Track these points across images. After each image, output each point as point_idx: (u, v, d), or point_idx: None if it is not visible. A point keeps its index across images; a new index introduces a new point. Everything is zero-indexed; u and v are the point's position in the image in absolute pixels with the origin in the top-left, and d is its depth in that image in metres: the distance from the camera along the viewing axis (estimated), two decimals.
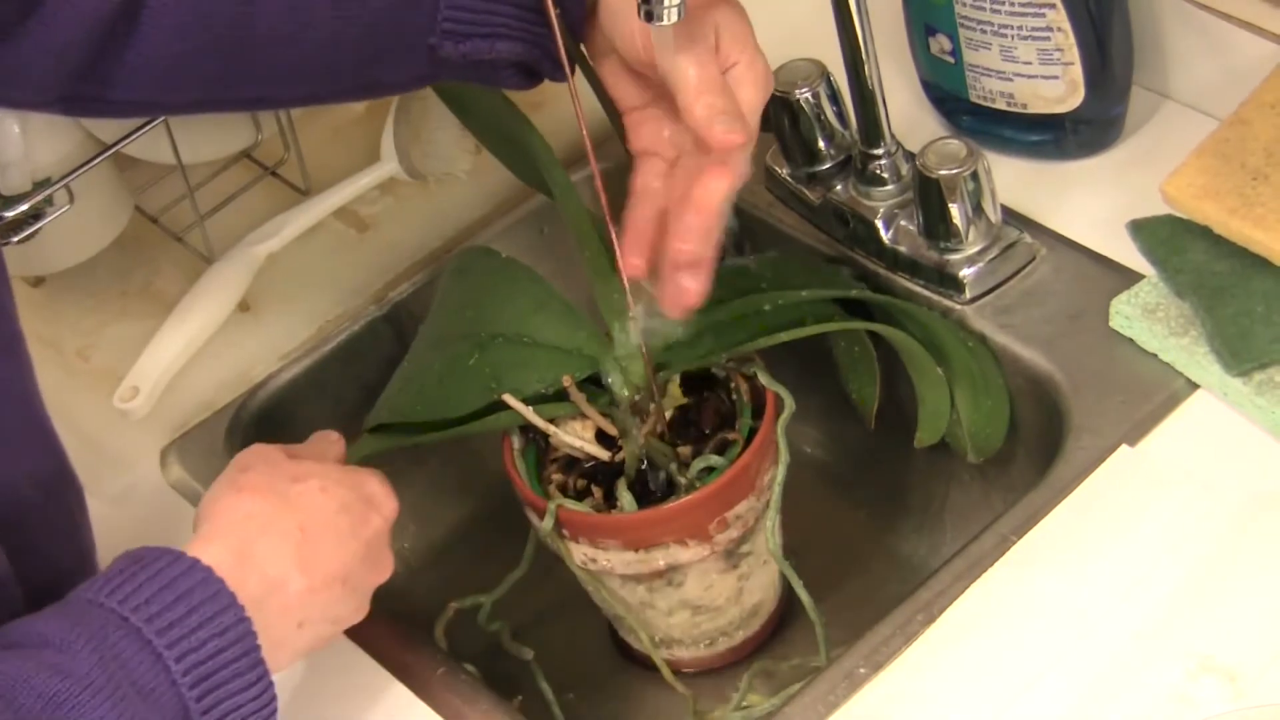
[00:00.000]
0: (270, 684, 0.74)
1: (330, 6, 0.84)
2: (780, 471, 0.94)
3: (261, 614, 0.74)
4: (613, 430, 0.94)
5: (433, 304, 1.03)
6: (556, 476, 0.94)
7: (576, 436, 0.93)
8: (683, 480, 0.92)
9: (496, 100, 1.01)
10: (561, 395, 0.93)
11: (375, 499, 0.85)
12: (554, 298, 0.97)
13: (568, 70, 0.86)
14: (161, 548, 0.74)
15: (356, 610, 0.83)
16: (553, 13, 0.84)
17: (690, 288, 0.84)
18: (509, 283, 0.99)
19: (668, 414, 0.94)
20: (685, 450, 0.94)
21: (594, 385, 0.95)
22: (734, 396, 0.95)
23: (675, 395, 0.95)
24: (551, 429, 0.93)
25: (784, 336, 0.94)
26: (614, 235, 0.88)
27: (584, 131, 0.88)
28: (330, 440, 0.90)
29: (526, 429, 0.95)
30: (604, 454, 0.93)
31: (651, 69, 0.85)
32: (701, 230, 0.83)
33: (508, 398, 0.92)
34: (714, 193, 0.83)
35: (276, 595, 0.77)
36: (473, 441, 1.05)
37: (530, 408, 0.92)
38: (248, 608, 0.73)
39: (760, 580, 0.99)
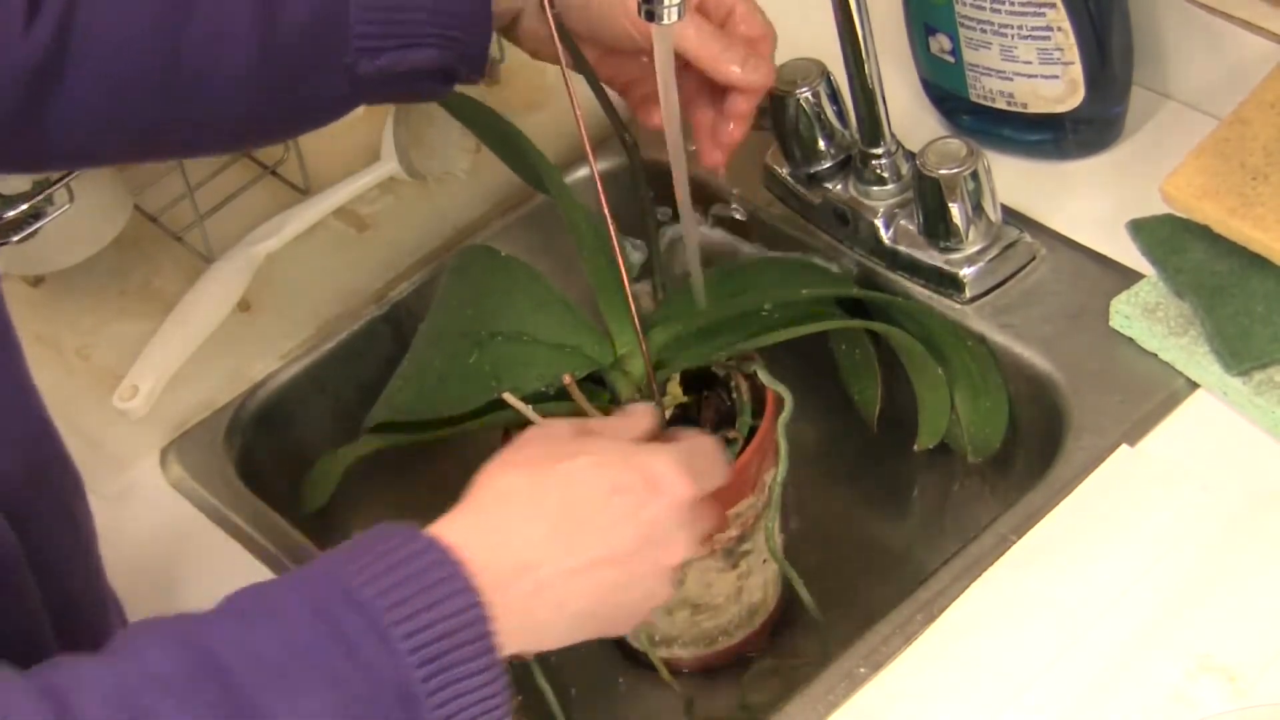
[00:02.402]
0: (500, 672, 0.70)
1: (247, 31, 0.85)
2: (780, 470, 0.94)
3: (509, 595, 0.71)
4: None
5: (433, 303, 1.03)
6: None
7: None
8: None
9: (487, 113, 1.01)
10: (562, 394, 0.93)
11: (661, 480, 0.78)
12: (554, 296, 0.97)
13: (485, 69, 0.90)
14: (399, 525, 0.73)
15: (646, 596, 0.78)
16: (550, 12, 0.84)
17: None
18: (509, 281, 0.99)
19: (668, 413, 0.94)
20: None
21: (594, 384, 0.95)
22: (734, 395, 0.95)
23: (675, 394, 0.95)
24: None
25: (784, 335, 0.94)
26: (614, 235, 0.88)
27: (583, 133, 0.88)
28: (638, 413, 0.86)
29: (527, 427, 0.94)
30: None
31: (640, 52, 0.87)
32: (740, 132, 0.95)
33: (508, 396, 0.92)
34: (744, 107, 0.94)
35: (529, 575, 0.73)
36: (474, 440, 1.05)
37: (530, 406, 0.92)
38: (494, 587, 0.70)
39: (760, 579, 0.99)
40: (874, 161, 1.03)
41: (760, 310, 0.96)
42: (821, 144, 1.06)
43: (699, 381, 0.97)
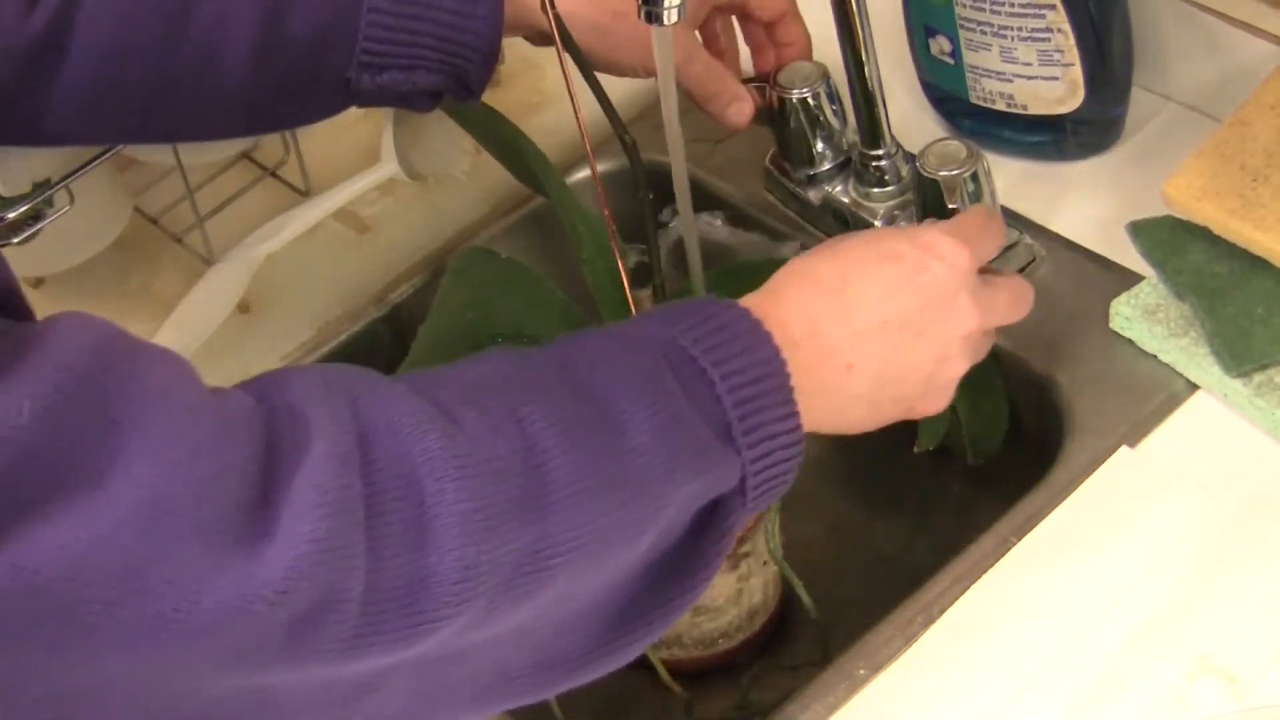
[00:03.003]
0: (797, 420, 0.73)
1: (250, 48, 0.86)
2: None
3: (800, 354, 0.74)
4: None
5: (433, 305, 1.03)
6: None
7: None
8: None
9: (489, 115, 1.01)
10: None
11: (936, 247, 0.81)
12: (554, 298, 0.97)
13: (476, 94, 0.91)
14: (702, 296, 0.77)
15: (937, 361, 0.80)
16: (550, 12, 0.84)
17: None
18: (509, 283, 0.99)
19: None
20: None
21: None
22: None
23: None
24: None
25: None
26: (614, 237, 0.88)
27: (584, 134, 0.88)
28: (979, 215, 0.88)
29: None
30: None
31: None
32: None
33: None
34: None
35: (816, 339, 0.76)
36: None
37: None
38: (786, 346, 0.73)
39: (760, 581, 0.99)
40: (874, 163, 1.03)
41: None
42: (821, 146, 1.06)
43: None
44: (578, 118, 0.87)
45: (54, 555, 0.54)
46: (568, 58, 0.87)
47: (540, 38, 0.96)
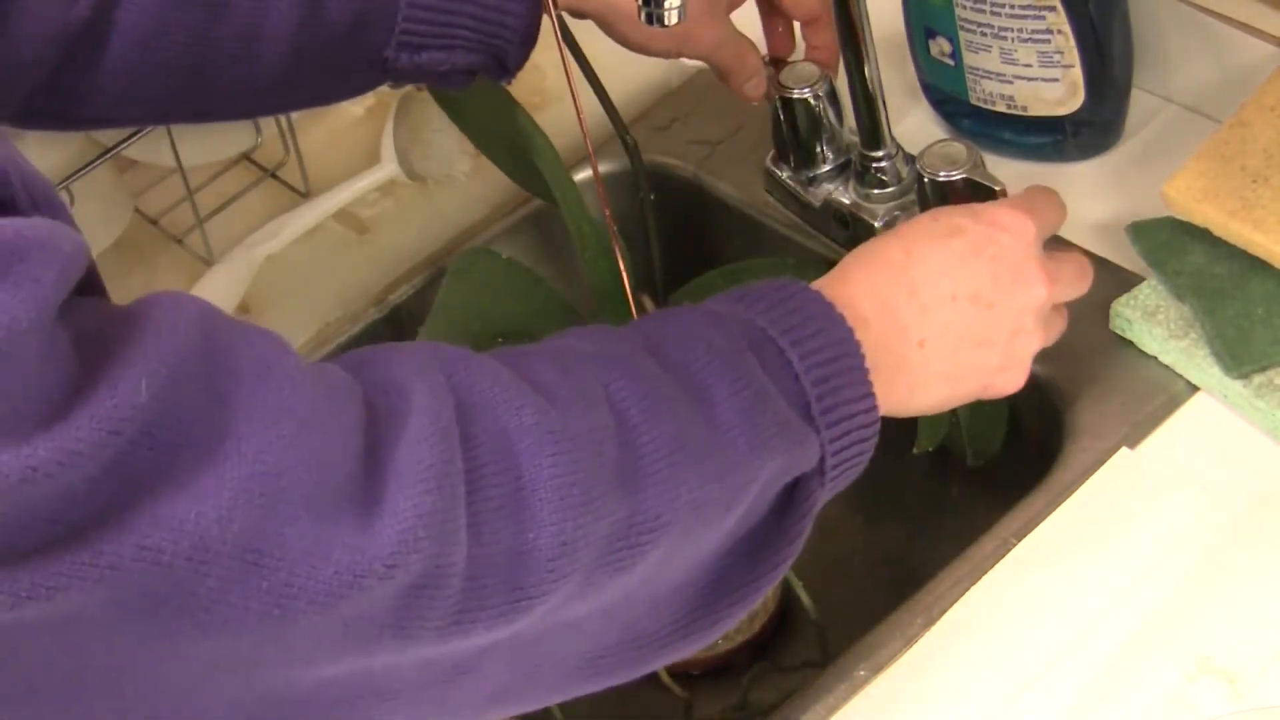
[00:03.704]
0: (874, 400, 0.73)
1: (290, 25, 0.86)
2: None
3: (871, 333, 0.75)
4: None
5: (433, 306, 1.03)
6: None
7: None
8: None
9: (499, 103, 1.01)
10: None
11: (999, 218, 0.82)
12: (555, 299, 0.97)
13: (510, 72, 0.91)
14: (775, 279, 0.77)
15: (1012, 333, 0.81)
16: (553, 12, 0.84)
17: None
18: (510, 284, 0.99)
19: None
20: None
21: None
22: None
23: None
24: None
25: None
26: (615, 238, 0.88)
27: (585, 135, 0.88)
28: (1040, 190, 0.89)
29: None
30: None
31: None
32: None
33: None
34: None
35: (886, 316, 0.77)
36: None
37: None
38: (856, 328, 0.74)
39: None
40: (874, 164, 1.03)
41: None
42: (822, 147, 1.06)
43: None
44: (579, 118, 0.87)
45: (176, 534, 0.54)
46: (570, 57, 0.87)
47: (576, 14, 0.96)
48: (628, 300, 0.91)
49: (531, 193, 1.05)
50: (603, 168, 0.89)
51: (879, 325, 0.76)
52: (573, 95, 0.87)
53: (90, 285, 0.59)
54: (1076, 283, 0.87)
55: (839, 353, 0.73)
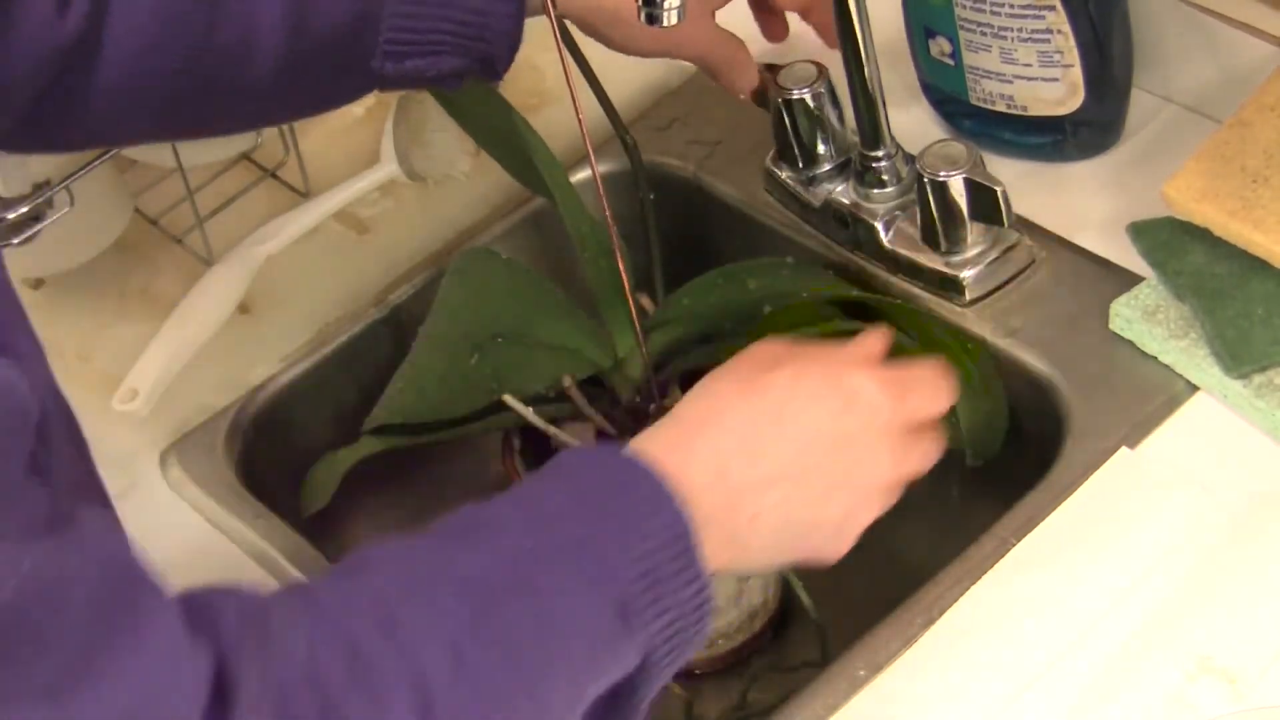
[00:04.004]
0: (707, 584, 0.71)
1: (279, 36, 0.86)
2: None
3: (705, 503, 0.72)
4: (613, 431, 0.94)
5: (433, 305, 1.03)
6: None
7: (577, 437, 0.93)
8: None
9: (494, 104, 1.01)
10: (562, 396, 0.93)
11: (860, 394, 0.78)
12: (555, 298, 0.97)
13: (499, 71, 0.90)
14: (606, 446, 0.75)
15: (846, 515, 0.78)
16: (551, 12, 0.84)
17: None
18: (509, 284, 0.99)
19: None
20: None
21: (595, 385, 0.95)
22: None
23: (676, 396, 0.95)
24: (552, 430, 0.93)
25: (783, 337, 0.94)
26: (615, 237, 0.88)
27: (585, 135, 0.88)
28: (871, 337, 0.83)
29: (527, 429, 0.95)
30: None
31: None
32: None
33: (508, 399, 0.92)
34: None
35: (721, 486, 0.74)
36: (474, 441, 1.05)
37: (530, 408, 0.92)
38: (690, 497, 0.71)
39: (760, 582, 0.99)
40: (874, 164, 1.03)
41: (760, 312, 0.96)
42: (821, 147, 1.06)
43: (695, 383, 0.96)
44: (579, 119, 0.87)
45: None
46: (569, 58, 0.87)
47: (578, 19, 0.95)
48: (628, 300, 0.91)
49: (533, 190, 1.05)
50: (602, 168, 0.89)
51: (713, 496, 0.73)
52: (572, 96, 0.87)
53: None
54: (932, 402, 0.82)
55: (670, 538, 0.70)
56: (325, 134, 1.23)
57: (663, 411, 0.93)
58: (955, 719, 0.83)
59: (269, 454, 1.08)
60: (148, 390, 1.05)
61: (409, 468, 1.12)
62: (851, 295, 1.01)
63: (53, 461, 0.63)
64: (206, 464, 1.04)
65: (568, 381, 0.93)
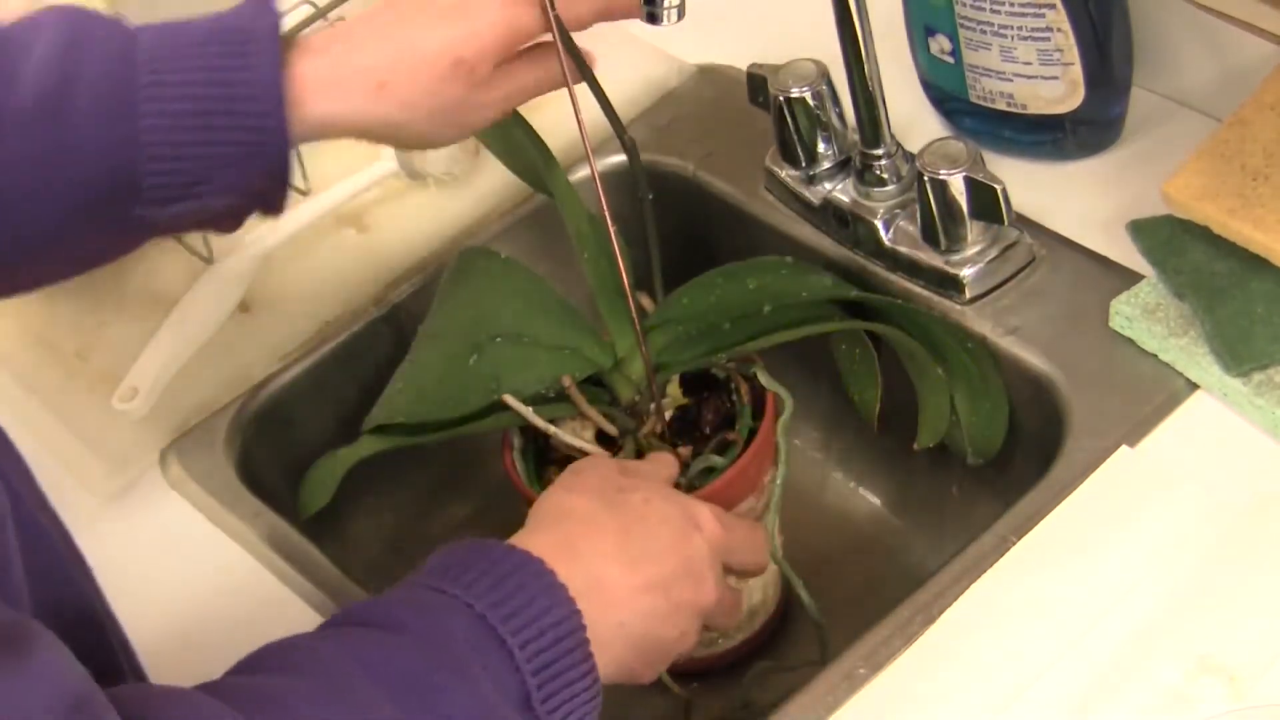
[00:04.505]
0: (597, 676, 0.74)
1: (32, 185, 0.81)
2: (781, 472, 0.94)
3: (585, 607, 0.74)
4: (612, 430, 0.94)
5: (432, 304, 1.03)
6: (556, 476, 0.94)
7: (576, 437, 0.93)
8: (682, 481, 0.92)
9: None
10: (562, 395, 0.93)
11: (699, 519, 0.83)
12: (554, 298, 0.97)
13: (282, 206, 0.86)
14: (493, 541, 0.76)
15: (680, 636, 0.81)
16: (551, 13, 0.84)
17: None
18: (508, 283, 0.99)
19: (668, 414, 0.94)
20: (685, 451, 0.94)
21: (595, 385, 0.95)
22: (734, 397, 0.95)
23: (675, 396, 0.96)
24: (551, 429, 0.93)
25: (783, 337, 0.94)
26: (614, 236, 0.88)
27: (584, 135, 0.88)
28: (665, 461, 0.90)
29: (527, 429, 0.95)
30: (604, 454, 0.93)
31: None
32: None
33: (508, 398, 0.92)
34: None
35: (598, 591, 0.76)
36: (474, 441, 1.05)
37: (530, 408, 0.92)
38: (575, 598, 0.74)
39: (759, 581, 0.99)
40: (874, 163, 1.03)
41: (760, 311, 0.96)
42: (821, 145, 1.06)
43: (700, 384, 0.97)
44: (578, 118, 0.87)
45: None
46: (566, 56, 0.87)
47: (360, 135, 0.89)
48: (627, 299, 0.91)
49: (533, 188, 1.05)
50: (601, 167, 0.89)
51: (589, 601, 0.75)
52: (571, 94, 0.86)
53: None
54: (752, 554, 0.87)
55: (564, 632, 0.73)
56: None
57: (662, 411, 0.94)
58: (955, 717, 0.83)
59: (269, 453, 1.08)
60: (147, 389, 1.05)
61: (409, 467, 1.12)
62: (851, 296, 1.01)
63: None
64: (206, 462, 1.05)
65: (567, 381, 0.93)
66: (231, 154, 0.81)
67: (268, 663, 0.70)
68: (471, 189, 1.18)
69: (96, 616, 0.76)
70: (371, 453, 0.97)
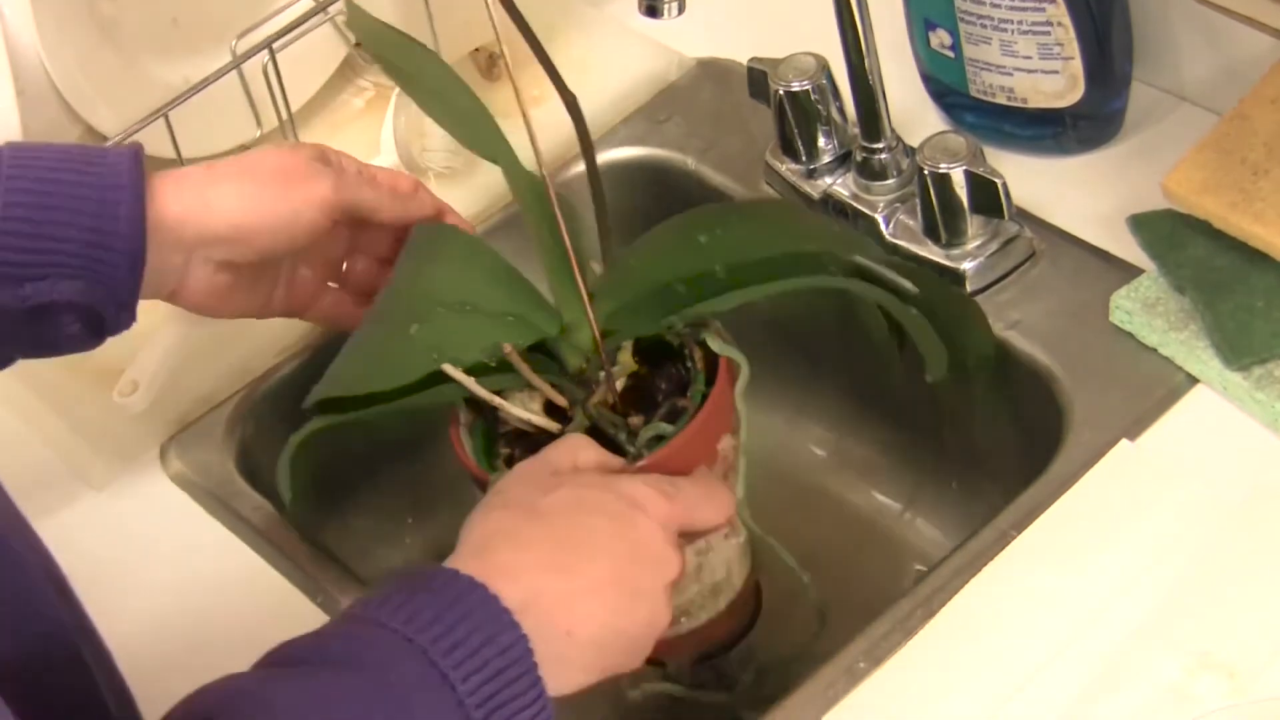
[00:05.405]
0: (547, 702, 0.72)
1: None
2: (742, 439, 0.90)
3: (525, 625, 0.72)
4: (562, 401, 0.90)
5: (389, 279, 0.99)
6: (505, 450, 0.90)
7: (524, 409, 0.89)
8: (631, 450, 0.87)
9: (435, 66, 0.98)
10: (506, 365, 0.88)
11: (638, 499, 0.80)
12: (501, 266, 0.92)
13: (132, 315, 0.89)
14: (435, 566, 0.74)
15: (650, 619, 0.79)
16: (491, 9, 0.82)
17: None
18: (455, 253, 0.94)
19: (619, 383, 0.90)
20: (637, 420, 0.89)
21: (545, 356, 0.91)
22: (689, 364, 0.91)
23: (628, 363, 0.91)
24: (496, 400, 0.88)
25: (738, 298, 0.89)
26: (554, 198, 0.85)
27: (517, 90, 0.86)
28: (576, 444, 0.85)
29: (476, 404, 0.90)
30: (553, 426, 0.89)
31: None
32: None
33: (447, 368, 0.86)
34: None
35: (536, 605, 0.74)
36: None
37: (475, 379, 0.87)
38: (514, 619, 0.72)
39: (721, 556, 0.93)
40: (874, 157, 1.03)
41: (713, 272, 0.90)
42: (821, 139, 1.06)
43: (653, 351, 0.92)
44: (510, 77, 0.84)
45: None
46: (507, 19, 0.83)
47: (172, 297, 0.94)
48: (572, 265, 0.87)
49: (477, 153, 1.00)
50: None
51: (531, 617, 0.73)
52: (505, 61, 0.84)
53: None
54: (701, 507, 0.84)
55: (509, 661, 0.71)
56: (325, 125, 1.23)
57: (613, 379, 0.89)
58: (956, 711, 0.83)
59: (269, 447, 1.08)
60: (147, 383, 1.05)
61: (408, 461, 1.12)
62: (807, 249, 0.94)
63: None
64: (207, 457, 1.05)
65: (508, 348, 0.87)
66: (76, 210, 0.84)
67: (218, 716, 0.68)
68: (470, 182, 1.17)
69: (67, 636, 0.75)
70: (316, 432, 0.93)
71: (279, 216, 0.90)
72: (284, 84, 1.12)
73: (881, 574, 1.08)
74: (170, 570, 1.00)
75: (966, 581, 0.88)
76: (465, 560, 0.76)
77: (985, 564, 0.88)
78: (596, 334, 0.89)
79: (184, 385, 1.07)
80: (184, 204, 0.89)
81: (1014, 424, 1.01)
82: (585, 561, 0.77)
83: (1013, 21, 1.03)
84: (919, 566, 1.08)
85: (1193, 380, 0.94)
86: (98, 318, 0.88)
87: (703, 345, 0.90)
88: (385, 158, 1.17)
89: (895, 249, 1.03)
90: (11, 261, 0.83)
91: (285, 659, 0.71)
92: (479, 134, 0.97)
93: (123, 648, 0.78)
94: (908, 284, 0.95)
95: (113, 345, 1.10)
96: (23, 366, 1.09)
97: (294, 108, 1.17)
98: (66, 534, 1.01)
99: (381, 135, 1.17)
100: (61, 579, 0.77)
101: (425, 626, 0.70)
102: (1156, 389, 0.95)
